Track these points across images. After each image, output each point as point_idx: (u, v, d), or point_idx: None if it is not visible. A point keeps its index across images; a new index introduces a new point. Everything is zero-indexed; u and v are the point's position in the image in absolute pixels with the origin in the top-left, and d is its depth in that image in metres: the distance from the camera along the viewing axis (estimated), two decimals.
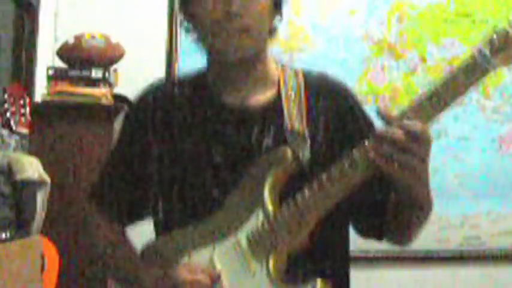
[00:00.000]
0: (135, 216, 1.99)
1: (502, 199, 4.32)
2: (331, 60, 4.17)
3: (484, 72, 1.56)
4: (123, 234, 1.99)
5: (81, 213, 2.09)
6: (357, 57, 4.25)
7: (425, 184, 1.64)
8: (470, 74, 1.56)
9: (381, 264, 4.19)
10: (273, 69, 1.88)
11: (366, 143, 1.60)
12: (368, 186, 1.76)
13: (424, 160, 1.57)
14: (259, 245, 1.68)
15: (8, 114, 2.60)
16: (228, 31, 1.73)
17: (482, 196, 4.29)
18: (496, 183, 4.32)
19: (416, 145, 1.54)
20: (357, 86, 4.12)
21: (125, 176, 1.93)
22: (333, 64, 4.11)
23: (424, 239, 4.01)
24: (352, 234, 1.91)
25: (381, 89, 4.19)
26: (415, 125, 1.55)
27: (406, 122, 1.55)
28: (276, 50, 3.95)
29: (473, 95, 4.32)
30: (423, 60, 4.26)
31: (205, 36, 1.79)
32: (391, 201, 1.80)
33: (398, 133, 1.54)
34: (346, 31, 4.26)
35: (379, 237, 1.88)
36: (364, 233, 1.89)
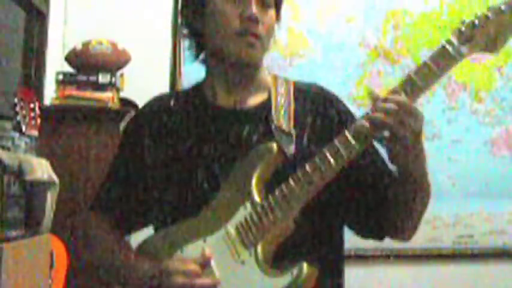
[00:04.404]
0: (138, 223, 2.04)
1: (493, 199, 4.36)
2: (329, 65, 4.19)
3: (454, 60, 1.64)
4: (122, 238, 2.02)
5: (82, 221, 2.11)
6: (354, 63, 4.28)
7: (420, 161, 1.69)
8: (440, 62, 1.63)
9: (376, 262, 4.22)
10: (266, 76, 1.96)
11: (346, 132, 1.66)
12: (363, 188, 1.83)
13: (416, 134, 1.62)
14: (247, 235, 1.71)
15: (18, 118, 2.59)
16: (245, 36, 1.80)
17: (474, 196, 4.34)
18: (488, 184, 4.36)
19: (406, 116, 1.59)
20: (354, 91, 4.14)
21: (125, 185, 1.98)
22: (331, 69, 4.14)
23: (419, 238, 4.06)
24: (347, 232, 1.93)
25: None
26: (402, 98, 1.61)
27: (392, 96, 1.62)
28: (276, 56, 4.08)
29: (466, 99, 4.40)
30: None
31: (218, 41, 1.85)
32: (391, 196, 1.80)
33: (389, 104, 1.59)
34: (343, 38, 4.31)
35: (379, 237, 1.90)
36: (364, 234, 1.91)
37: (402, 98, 1.61)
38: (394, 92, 1.64)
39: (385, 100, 1.62)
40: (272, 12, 1.88)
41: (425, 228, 4.12)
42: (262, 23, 1.83)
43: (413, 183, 1.73)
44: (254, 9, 1.81)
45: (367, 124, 1.63)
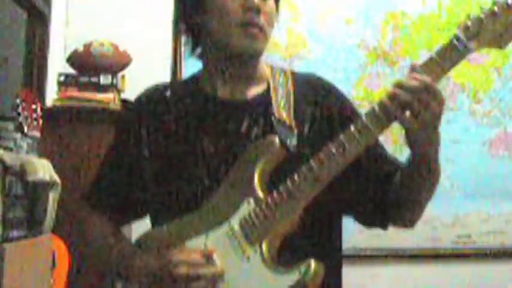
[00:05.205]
0: (131, 214, 2.04)
1: (491, 200, 4.37)
2: (329, 67, 4.22)
3: (461, 55, 1.61)
4: (118, 229, 2.02)
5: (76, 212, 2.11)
6: (353, 64, 4.31)
7: (435, 146, 1.67)
8: (447, 57, 1.61)
9: (375, 261, 4.23)
10: (264, 67, 1.94)
11: (352, 127, 1.64)
12: (367, 176, 1.82)
13: (436, 116, 1.59)
14: (252, 231, 1.69)
15: (20, 118, 2.60)
16: (248, 28, 1.78)
17: (473, 197, 4.35)
18: (486, 184, 4.37)
19: (429, 97, 1.57)
20: (354, 92, 4.20)
21: (120, 176, 1.97)
22: (331, 71, 4.15)
23: (417, 238, 4.17)
24: (347, 232, 1.94)
25: (377, 94, 4.21)
26: (425, 77, 1.59)
27: (415, 75, 1.60)
28: (276, 57, 4.09)
29: (464, 100, 4.41)
30: None
31: (220, 34, 1.82)
32: (396, 183, 1.80)
33: (414, 83, 1.58)
34: (343, 39, 4.33)
35: (383, 225, 1.88)
36: (368, 223, 1.90)
37: (425, 77, 1.60)
38: (417, 70, 1.62)
39: (407, 80, 1.60)
40: (272, 2, 1.86)
41: (424, 228, 4.19)
42: (264, 13, 1.81)
43: (425, 168, 1.72)
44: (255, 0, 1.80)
45: (389, 103, 1.61)
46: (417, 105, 1.58)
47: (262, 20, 1.81)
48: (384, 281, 4.27)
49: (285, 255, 1.70)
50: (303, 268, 1.63)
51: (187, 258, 1.70)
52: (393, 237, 4.08)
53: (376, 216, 1.87)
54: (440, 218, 4.30)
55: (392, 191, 1.82)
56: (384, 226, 1.90)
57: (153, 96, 1.98)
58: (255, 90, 1.90)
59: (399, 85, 1.61)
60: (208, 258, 1.71)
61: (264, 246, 1.69)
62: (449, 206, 4.28)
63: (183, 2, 1.93)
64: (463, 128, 4.40)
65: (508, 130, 4.46)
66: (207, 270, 1.69)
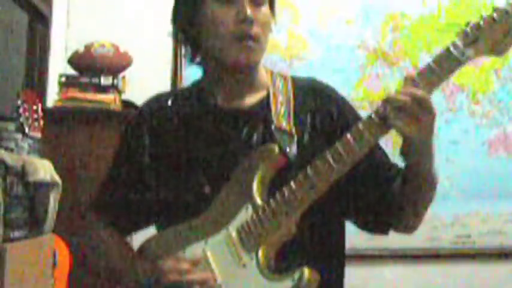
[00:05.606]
0: (137, 223, 2.04)
1: (491, 200, 4.37)
2: (329, 67, 4.23)
3: (458, 62, 1.59)
4: (122, 238, 2.03)
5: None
6: (353, 65, 4.32)
7: (429, 155, 1.67)
8: (445, 64, 1.58)
9: (374, 261, 4.23)
10: (263, 73, 1.94)
11: (348, 135, 1.63)
12: (366, 182, 1.82)
13: (428, 128, 1.60)
14: (248, 238, 1.70)
15: (21, 119, 2.63)
16: (242, 40, 1.79)
17: (472, 197, 4.35)
18: (485, 184, 4.37)
19: (420, 109, 1.57)
20: (353, 93, 4.20)
21: (125, 186, 1.97)
22: (331, 72, 4.16)
23: (417, 238, 4.15)
24: (347, 232, 1.93)
25: (376, 95, 4.23)
26: (418, 90, 1.57)
27: (410, 88, 1.58)
28: (276, 58, 4.10)
29: (463, 101, 4.42)
30: (416, 68, 4.14)
31: (215, 46, 1.83)
32: (395, 189, 1.79)
33: (404, 97, 1.57)
34: (343, 40, 4.33)
35: (384, 230, 1.89)
36: (369, 229, 1.89)
37: (416, 90, 1.58)
38: (410, 81, 1.61)
39: (399, 92, 1.60)
40: (265, 9, 1.86)
41: (424, 228, 4.10)
42: (257, 22, 1.81)
43: (421, 178, 1.72)
44: (248, 10, 1.79)
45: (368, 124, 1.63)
46: (410, 118, 1.58)
47: (256, 29, 1.81)
48: (384, 281, 4.28)
49: (287, 261, 1.71)
50: (296, 276, 1.64)
51: (176, 266, 1.72)
52: (393, 237, 4.00)
53: (376, 221, 1.87)
54: (440, 218, 4.30)
55: (392, 197, 1.82)
56: (384, 232, 1.90)
57: (156, 106, 1.99)
58: (254, 98, 1.91)
59: (391, 99, 1.60)
60: (197, 265, 1.73)
61: (260, 254, 1.70)
62: (448, 206, 4.28)
63: (178, 15, 1.94)
64: (462, 128, 4.40)
65: (507, 131, 4.46)
66: (196, 278, 1.71)
